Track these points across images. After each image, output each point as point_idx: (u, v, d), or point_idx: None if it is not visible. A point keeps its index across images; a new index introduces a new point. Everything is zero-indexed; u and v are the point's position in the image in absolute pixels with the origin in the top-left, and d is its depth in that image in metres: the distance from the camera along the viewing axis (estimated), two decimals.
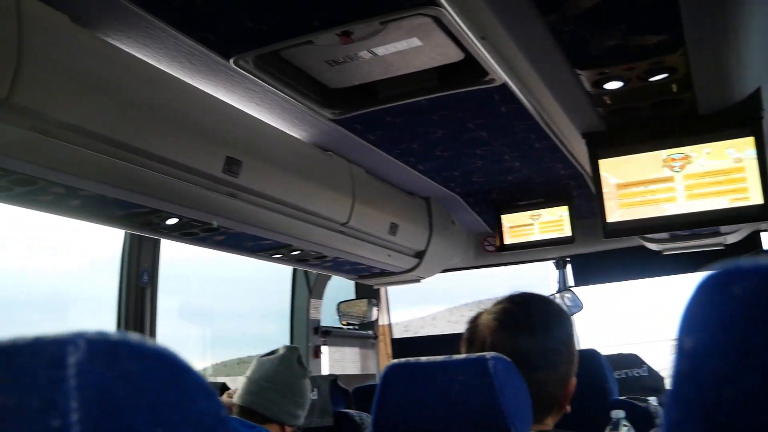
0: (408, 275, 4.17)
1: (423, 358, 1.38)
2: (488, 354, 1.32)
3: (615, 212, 2.47)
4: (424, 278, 4.34)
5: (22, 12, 1.72)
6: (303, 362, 2.57)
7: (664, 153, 2.40)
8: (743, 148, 2.30)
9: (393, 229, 3.57)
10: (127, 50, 2.07)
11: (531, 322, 1.52)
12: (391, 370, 1.39)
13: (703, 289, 0.43)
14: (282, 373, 2.48)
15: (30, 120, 1.80)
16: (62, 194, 2.13)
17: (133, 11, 1.89)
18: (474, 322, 1.57)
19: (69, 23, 1.86)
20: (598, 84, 2.01)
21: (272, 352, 2.57)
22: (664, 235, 3.18)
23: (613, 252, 4.57)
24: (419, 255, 4.04)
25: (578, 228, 4.15)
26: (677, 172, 2.38)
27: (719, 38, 1.83)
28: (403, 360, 1.40)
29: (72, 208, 2.26)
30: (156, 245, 3.14)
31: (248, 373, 2.53)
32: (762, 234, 4.46)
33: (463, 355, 1.36)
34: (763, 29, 1.89)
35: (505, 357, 1.35)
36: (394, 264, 3.93)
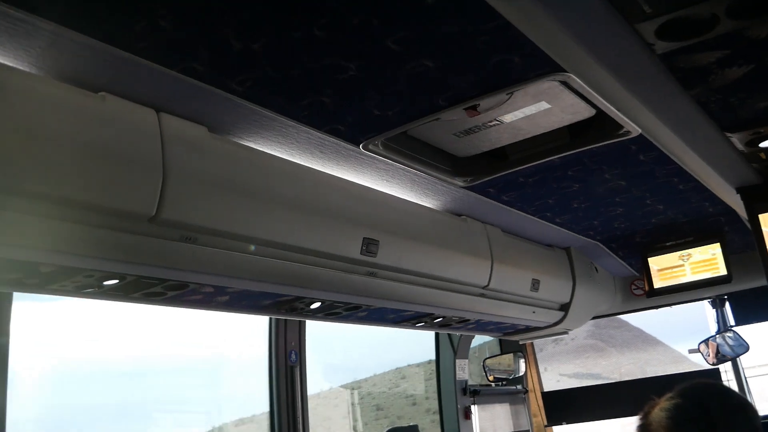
0: (554, 328, 4.03)
1: None
2: None
3: None
4: (571, 329, 4.18)
5: (164, 130, 1.81)
6: None
7: None
8: None
9: (535, 285, 3.47)
10: (260, 149, 2.14)
11: (710, 420, 1.39)
12: None
13: None
14: None
15: (178, 231, 1.89)
16: (211, 293, 2.22)
17: (266, 115, 1.95)
18: (645, 419, 1.47)
19: (206, 133, 1.95)
20: (753, 143, 1.88)
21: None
22: None
23: None
24: (564, 307, 3.90)
25: (734, 264, 3.87)
26: None
27: None
28: None
29: (220, 304, 2.35)
30: (301, 325, 3.21)
31: None
32: None
33: None
34: None
35: None
36: (539, 319, 3.81)
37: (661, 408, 1.45)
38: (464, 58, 1.78)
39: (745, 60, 1.42)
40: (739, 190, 2.31)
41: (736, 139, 1.85)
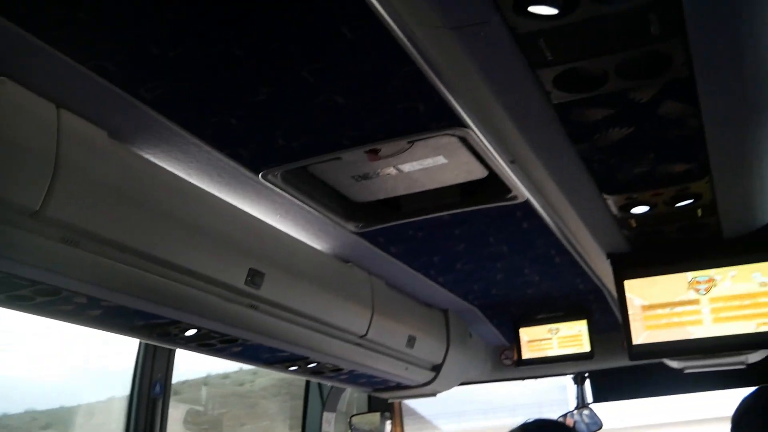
0: (424, 389, 4.08)
1: None
2: None
3: (641, 334, 2.44)
4: (440, 392, 4.24)
5: (62, 127, 1.76)
6: None
7: (690, 275, 2.40)
8: None
9: (411, 341, 3.52)
10: (159, 163, 2.11)
11: None
12: None
13: None
14: None
15: (60, 231, 1.82)
16: (84, 304, 2.13)
17: (169, 128, 1.93)
18: None
19: (106, 138, 1.90)
20: (625, 208, 2.03)
21: None
22: None
23: (633, 368, 4.48)
24: (436, 368, 3.97)
25: (597, 343, 4.10)
26: (703, 294, 2.37)
27: (743, 166, 1.86)
28: None
29: (91, 318, 2.25)
30: (170, 355, 3.10)
31: None
32: None
33: None
34: None
35: None
36: (411, 377, 3.85)
37: None
38: (374, 99, 1.84)
39: (626, 122, 1.55)
40: (609, 256, 2.48)
41: (612, 202, 2.00)
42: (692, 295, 2.38)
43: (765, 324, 2.29)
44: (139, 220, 1.99)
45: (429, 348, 3.77)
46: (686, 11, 1.18)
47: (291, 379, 5.39)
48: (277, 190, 2.32)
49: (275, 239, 2.59)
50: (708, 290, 2.36)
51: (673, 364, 3.51)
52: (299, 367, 3.20)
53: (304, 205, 2.45)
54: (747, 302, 2.32)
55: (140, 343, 3.08)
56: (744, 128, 1.63)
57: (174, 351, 3.13)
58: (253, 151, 2.09)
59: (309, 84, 1.75)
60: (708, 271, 2.38)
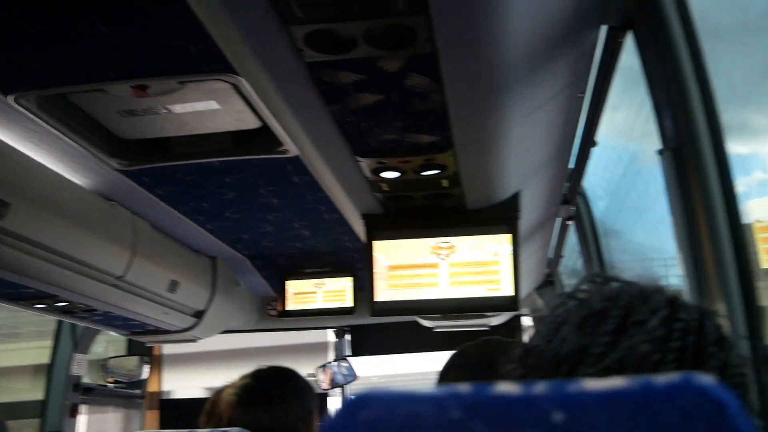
0: (184, 334, 4.06)
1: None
2: (230, 430, 1.36)
3: (384, 292, 2.62)
4: (201, 338, 4.25)
5: None
6: None
7: (433, 241, 2.61)
8: (501, 243, 2.57)
9: (173, 286, 3.48)
10: None
11: (268, 398, 1.59)
12: None
13: (339, 413, 0.48)
14: None
15: None
16: None
17: None
18: (217, 396, 1.61)
19: None
20: (377, 172, 2.16)
21: None
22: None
23: (390, 326, 4.78)
24: (198, 315, 3.96)
25: (360, 300, 4.29)
26: (443, 259, 2.59)
27: (484, 145, 2.05)
28: None
29: None
30: None
31: None
32: (522, 318, 4.93)
33: (206, 431, 1.38)
34: (522, 141, 2.14)
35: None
36: (171, 322, 3.81)
37: (232, 386, 1.61)
38: (142, 33, 1.78)
39: (376, 89, 1.64)
40: (363, 217, 2.62)
41: (365, 165, 2.11)
42: (433, 259, 2.60)
43: (492, 290, 2.56)
44: None
45: (192, 294, 3.75)
46: None
47: None
48: (32, 116, 2.17)
49: (27, 169, 2.43)
50: (448, 256, 2.59)
51: (426, 323, 3.78)
52: (47, 305, 3.05)
53: (63, 136, 2.32)
54: (479, 269, 2.58)
55: None
56: (483, 109, 1.80)
57: None
58: (4, 71, 1.94)
59: (68, 5, 1.66)
60: (449, 239, 2.60)
